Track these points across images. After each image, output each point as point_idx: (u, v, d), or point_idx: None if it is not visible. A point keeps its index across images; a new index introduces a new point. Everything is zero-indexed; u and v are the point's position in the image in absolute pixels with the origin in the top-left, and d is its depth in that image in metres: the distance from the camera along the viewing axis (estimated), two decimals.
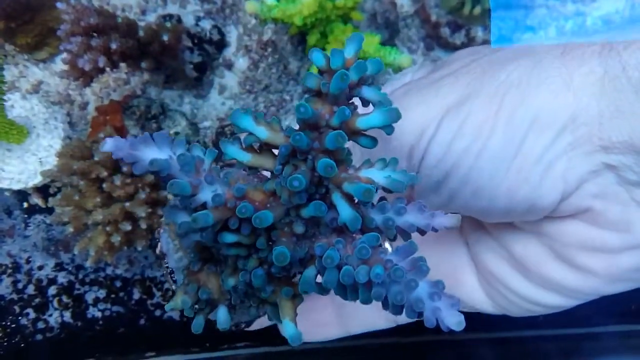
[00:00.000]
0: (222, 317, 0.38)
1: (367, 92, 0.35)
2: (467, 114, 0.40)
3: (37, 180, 1.03)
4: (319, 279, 0.34)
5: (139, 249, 0.95)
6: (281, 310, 0.36)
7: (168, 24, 0.97)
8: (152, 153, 0.32)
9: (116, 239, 0.91)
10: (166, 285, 1.09)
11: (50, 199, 1.00)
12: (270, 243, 0.35)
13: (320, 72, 0.35)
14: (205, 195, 0.32)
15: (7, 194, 1.09)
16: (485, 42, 1.08)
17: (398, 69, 0.91)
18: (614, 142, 0.37)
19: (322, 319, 0.51)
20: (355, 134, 0.35)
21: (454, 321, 0.30)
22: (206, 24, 1.12)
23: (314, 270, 0.34)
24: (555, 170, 0.39)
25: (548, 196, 0.40)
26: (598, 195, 0.39)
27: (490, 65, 0.42)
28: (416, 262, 0.32)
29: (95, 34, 0.85)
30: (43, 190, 1.10)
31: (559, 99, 0.38)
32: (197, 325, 0.38)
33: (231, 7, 1.14)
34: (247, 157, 0.35)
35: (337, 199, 0.33)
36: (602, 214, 0.39)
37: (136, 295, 1.13)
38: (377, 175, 0.34)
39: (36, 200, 1.10)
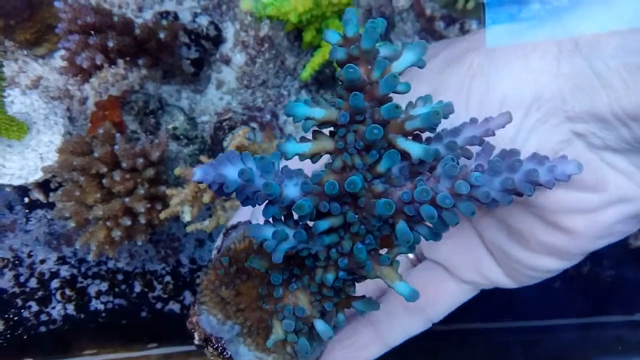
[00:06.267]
0: (322, 328, 0.39)
1: (384, 50, 0.36)
2: None
3: (38, 176, 1.05)
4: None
5: (139, 243, 0.97)
6: (387, 277, 0.37)
7: (164, 22, 0.98)
8: (231, 170, 0.33)
9: (117, 233, 0.93)
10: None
11: (51, 194, 1.02)
12: (358, 214, 0.36)
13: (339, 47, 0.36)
14: (290, 190, 0.34)
15: (8, 189, 1.11)
16: None
17: None
18: (577, 113, 0.40)
19: (363, 340, 0.53)
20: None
21: (573, 165, 0.35)
22: (203, 20, 1.13)
23: (403, 222, 0.35)
24: (529, 146, 0.42)
25: None
26: None
27: (450, 60, 0.46)
28: (507, 153, 0.35)
29: (92, 32, 0.86)
30: (44, 185, 1.11)
31: (521, 82, 0.41)
32: (304, 346, 0.38)
33: (227, 3, 1.15)
34: (307, 147, 0.36)
35: (402, 142, 0.35)
36: (579, 178, 0.42)
37: (137, 288, 1.15)
38: (423, 109, 0.36)
39: (37, 195, 1.12)
